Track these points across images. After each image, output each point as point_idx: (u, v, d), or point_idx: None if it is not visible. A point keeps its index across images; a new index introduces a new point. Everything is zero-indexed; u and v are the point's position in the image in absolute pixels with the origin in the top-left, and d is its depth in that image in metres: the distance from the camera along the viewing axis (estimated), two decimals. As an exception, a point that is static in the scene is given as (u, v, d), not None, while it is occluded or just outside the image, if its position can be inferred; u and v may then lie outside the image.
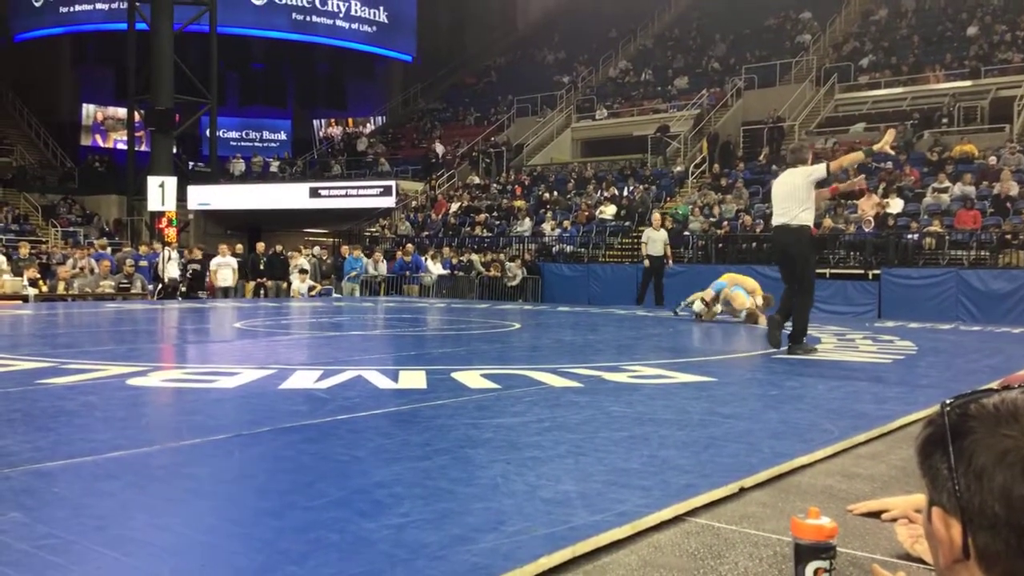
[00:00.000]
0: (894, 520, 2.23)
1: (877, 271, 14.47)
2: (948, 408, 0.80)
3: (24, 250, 17.14)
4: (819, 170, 6.92)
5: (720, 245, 17.25)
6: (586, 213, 20.35)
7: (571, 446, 3.24)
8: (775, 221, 7.02)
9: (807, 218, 6.93)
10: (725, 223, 17.73)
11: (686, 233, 17.95)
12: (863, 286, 14.52)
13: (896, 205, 16.14)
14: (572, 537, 2.11)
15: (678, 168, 22.46)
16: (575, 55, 34.01)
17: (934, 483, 0.80)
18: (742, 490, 2.67)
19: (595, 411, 4.08)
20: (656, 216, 15.68)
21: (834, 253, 15.66)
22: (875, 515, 2.36)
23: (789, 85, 24.51)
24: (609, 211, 20.01)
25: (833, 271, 15.10)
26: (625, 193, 21.07)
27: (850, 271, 15.01)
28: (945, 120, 20.17)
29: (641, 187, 21.19)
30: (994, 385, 0.92)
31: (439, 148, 29.21)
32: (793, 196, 6.90)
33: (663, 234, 14.99)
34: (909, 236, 15.07)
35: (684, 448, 3.23)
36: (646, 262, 14.96)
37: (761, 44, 28.52)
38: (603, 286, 17.11)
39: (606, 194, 21.27)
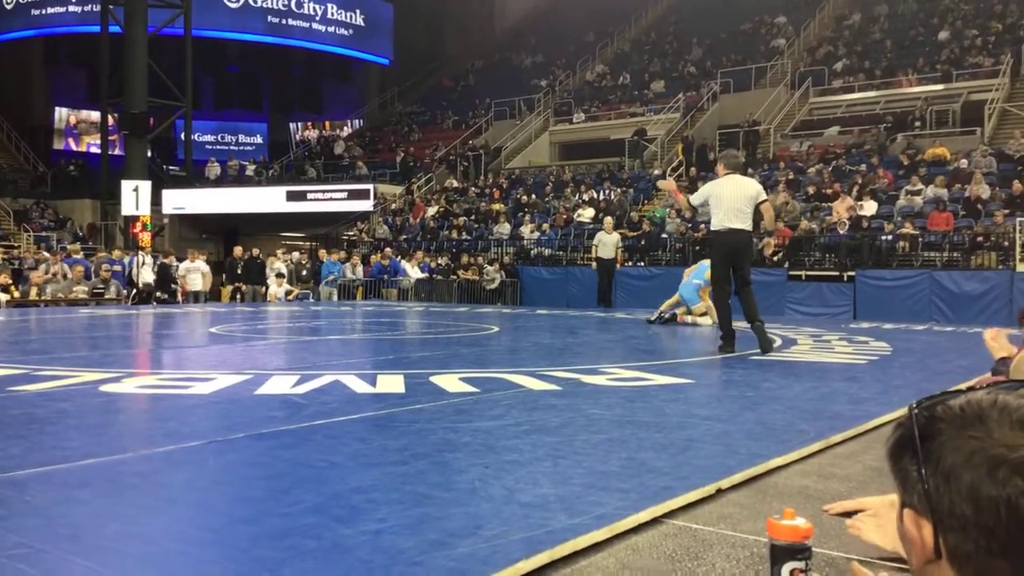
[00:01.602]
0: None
1: (852, 273, 14.62)
2: (916, 411, 0.81)
3: (-1, 256, 16.89)
4: (765, 196, 7.39)
5: (697, 248, 17.34)
6: (564, 216, 20.39)
7: (549, 449, 3.24)
8: (731, 223, 7.13)
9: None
10: (702, 226, 17.83)
11: (664, 235, 18.03)
12: (838, 288, 14.66)
13: (870, 207, 16.32)
14: (550, 540, 2.11)
15: (655, 171, 22.57)
16: (552, 59, 34.10)
17: (905, 485, 0.81)
18: (719, 491, 2.68)
19: (573, 414, 4.09)
20: (608, 220, 16.23)
21: (809, 255, 15.80)
22: (851, 515, 2.38)
23: (764, 89, 24.73)
24: (587, 214, 20.06)
25: (808, 273, 15.24)
26: (602, 196, 21.14)
27: (825, 273, 15.14)
28: (918, 123, 20.44)
29: (619, 190, 21.27)
30: (963, 386, 0.93)
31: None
32: (750, 201, 7.16)
33: (615, 237, 15.49)
34: (883, 238, 15.24)
35: (662, 450, 3.25)
36: (594, 264, 15.65)
37: (736, 48, 28.75)
38: (581, 289, 17.14)
39: (584, 197, 21.32)
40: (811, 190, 17.84)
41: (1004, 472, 0.73)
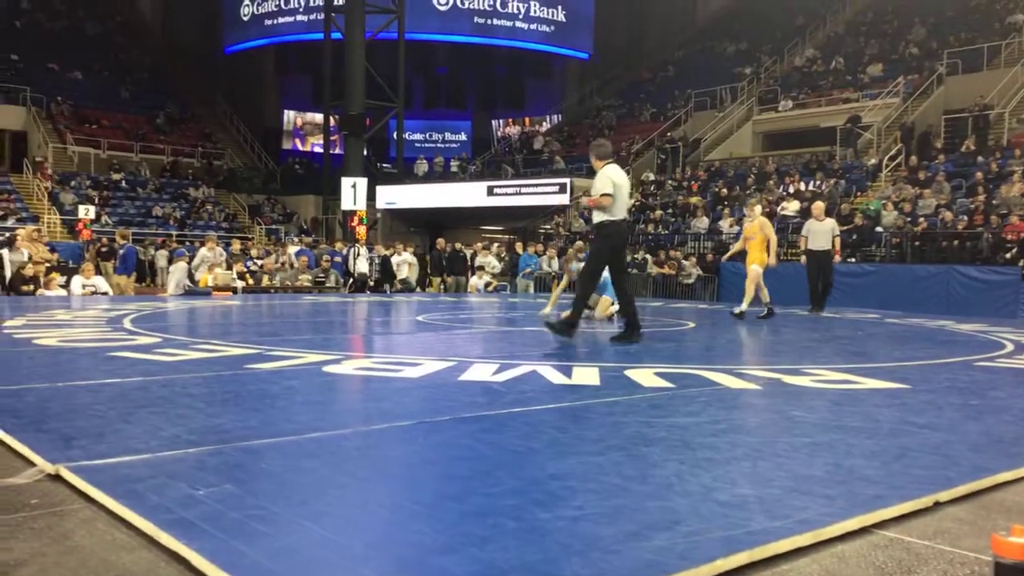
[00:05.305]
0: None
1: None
2: None
3: (236, 246, 18.81)
4: None
5: (917, 243, 16.08)
6: (767, 209, 19.60)
7: (748, 449, 3.16)
8: (625, 214, 7.30)
9: None
10: (922, 219, 16.52)
11: (878, 229, 16.88)
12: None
13: None
14: (750, 541, 2.07)
15: (871, 161, 21.15)
16: (758, 45, 32.81)
17: None
18: (937, 504, 2.52)
19: (774, 415, 3.96)
20: (818, 204, 13.14)
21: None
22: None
23: (998, 70, 22.41)
24: (792, 207, 19.15)
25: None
26: (810, 187, 20.11)
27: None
28: None
29: (830, 181, 20.13)
30: None
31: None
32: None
33: (829, 224, 12.58)
34: None
35: (872, 458, 3.08)
36: (802, 259, 13.09)
37: (966, 26, 26.27)
38: (784, 285, 16.32)
39: (789, 189, 20.37)
40: (1053, 180, 16.00)
41: None
